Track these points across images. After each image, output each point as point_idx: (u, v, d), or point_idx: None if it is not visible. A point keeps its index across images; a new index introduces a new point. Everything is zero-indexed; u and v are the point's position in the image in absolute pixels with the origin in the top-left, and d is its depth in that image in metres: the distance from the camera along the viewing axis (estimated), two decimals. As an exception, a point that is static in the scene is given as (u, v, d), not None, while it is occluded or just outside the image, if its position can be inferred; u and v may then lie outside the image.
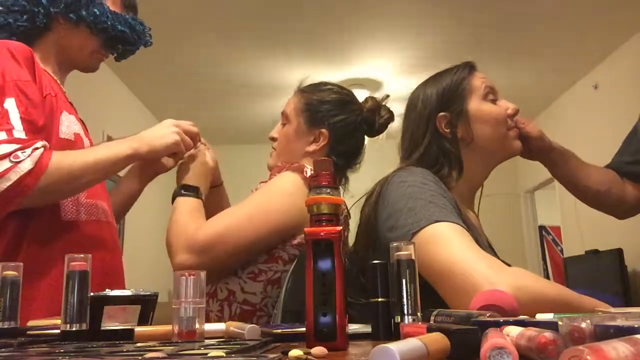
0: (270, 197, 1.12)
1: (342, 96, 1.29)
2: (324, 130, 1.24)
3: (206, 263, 1.01)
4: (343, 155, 1.24)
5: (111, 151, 1.07)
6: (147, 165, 1.32)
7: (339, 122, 1.25)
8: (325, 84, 1.32)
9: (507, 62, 4.28)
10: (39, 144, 0.98)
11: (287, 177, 1.13)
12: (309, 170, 1.14)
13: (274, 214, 1.08)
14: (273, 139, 1.31)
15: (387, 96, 1.36)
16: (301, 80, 1.35)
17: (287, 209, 1.08)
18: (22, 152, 0.94)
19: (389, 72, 4.52)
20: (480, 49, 4.04)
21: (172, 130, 1.15)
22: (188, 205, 1.12)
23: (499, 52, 4.13)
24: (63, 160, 1.00)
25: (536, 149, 1.22)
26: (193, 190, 1.15)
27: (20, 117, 1.00)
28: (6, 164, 0.93)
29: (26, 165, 0.94)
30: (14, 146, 0.95)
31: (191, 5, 3.47)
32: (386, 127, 1.33)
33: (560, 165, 1.30)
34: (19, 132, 0.98)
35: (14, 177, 0.93)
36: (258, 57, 4.16)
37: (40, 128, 1.03)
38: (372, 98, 1.32)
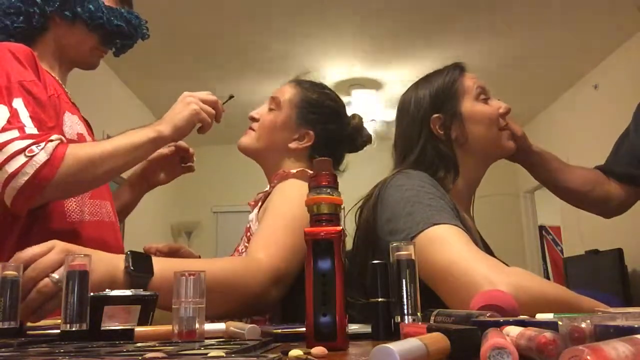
0: (297, 206, 1.01)
1: (338, 106, 1.28)
2: (311, 132, 1.22)
3: (286, 284, 0.97)
4: None
5: (132, 138, 1.04)
6: (145, 177, 1.33)
7: (328, 131, 1.23)
8: (326, 87, 1.31)
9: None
10: (54, 137, 0.97)
11: (300, 185, 1.08)
12: None
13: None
14: (253, 119, 1.26)
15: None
16: (299, 73, 1.32)
17: None
18: (36, 146, 0.94)
19: (387, 73, 4.52)
20: (480, 49, 4.05)
21: (188, 102, 1.11)
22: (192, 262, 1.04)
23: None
24: (80, 150, 0.99)
25: (518, 148, 1.21)
26: (146, 259, 0.85)
27: (30, 117, 0.99)
28: (22, 159, 0.92)
29: (41, 158, 0.93)
30: (28, 141, 0.94)
31: (191, 6, 3.47)
32: (363, 148, 1.33)
33: (540, 168, 1.30)
34: (31, 129, 0.97)
35: (30, 170, 0.92)
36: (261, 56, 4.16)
37: (50, 128, 1.03)
38: (359, 116, 1.33)
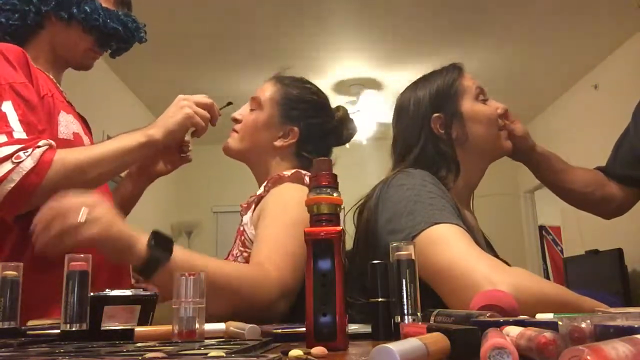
0: (296, 211, 1.01)
1: (320, 99, 1.26)
2: (295, 129, 1.20)
3: (291, 298, 0.95)
4: (308, 158, 1.20)
5: (122, 142, 1.04)
6: (143, 168, 1.31)
7: (312, 125, 1.22)
8: (306, 81, 1.28)
9: (507, 61, 4.28)
10: (42, 142, 0.96)
11: (296, 189, 1.08)
12: (306, 178, 1.09)
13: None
14: (236, 121, 1.25)
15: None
16: (280, 69, 1.30)
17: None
18: (24, 153, 0.93)
19: (387, 73, 4.52)
20: (480, 49, 4.05)
21: (182, 105, 1.10)
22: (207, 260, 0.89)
23: (499, 52, 4.14)
24: (68, 155, 0.98)
25: (518, 148, 1.21)
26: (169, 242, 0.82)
27: (19, 120, 0.98)
28: (8, 165, 0.92)
29: (27, 164, 0.92)
30: (16, 147, 0.94)
31: (191, 6, 3.47)
32: (350, 140, 1.32)
33: (543, 168, 1.30)
34: (20, 134, 0.96)
35: (16, 177, 0.91)
36: (255, 55, 4.16)
37: (41, 131, 1.02)
38: (343, 108, 1.31)
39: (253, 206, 1.14)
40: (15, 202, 0.93)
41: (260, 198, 1.13)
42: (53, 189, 0.95)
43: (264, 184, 1.16)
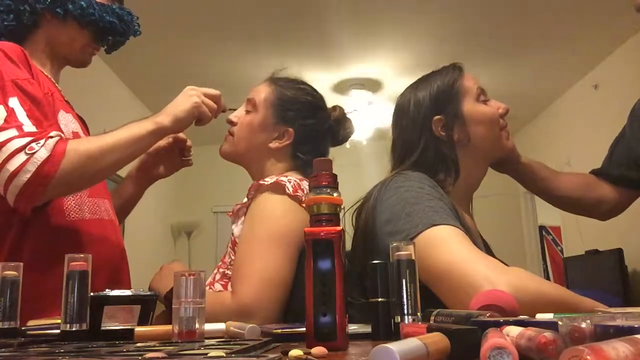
0: (267, 225, 1.06)
1: (315, 100, 1.26)
2: (290, 130, 1.20)
3: (263, 315, 0.98)
4: (304, 159, 1.20)
5: (132, 130, 1.06)
6: (144, 170, 1.32)
7: (307, 126, 1.21)
8: (301, 82, 1.28)
9: (507, 61, 4.28)
10: (53, 133, 0.97)
11: (273, 201, 1.08)
12: (289, 185, 1.08)
13: (288, 238, 1.04)
14: (232, 123, 1.25)
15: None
16: (275, 71, 1.30)
17: (294, 228, 1.04)
18: (36, 144, 0.94)
19: (386, 73, 4.52)
20: (480, 49, 4.04)
21: (190, 94, 1.13)
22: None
23: (499, 52, 4.13)
24: (80, 145, 0.99)
25: (504, 160, 1.21)
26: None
27: (27, 115, 0.99)
28: (22, 157, 0.92)
29: (42, 155, 0.93)
30: (28, 139, 0.94)
31: (190, 4, 3.47)
32: (347, 140, 1.32)
33: (527, 178, 1.30)
34: (29, 127, 0.97)
35: (31, 168, 0.92)
36: (256, 58, 4.16)
37: (47, 126, 1.02)
38: (340, 107, 1.30)
39: (242, 217, 1.14)
40: (32, 192, 0.93)
41: (247, 206, 1.13)
42: (67, 178, 0.96)
43: (247, 192, 1.16)
